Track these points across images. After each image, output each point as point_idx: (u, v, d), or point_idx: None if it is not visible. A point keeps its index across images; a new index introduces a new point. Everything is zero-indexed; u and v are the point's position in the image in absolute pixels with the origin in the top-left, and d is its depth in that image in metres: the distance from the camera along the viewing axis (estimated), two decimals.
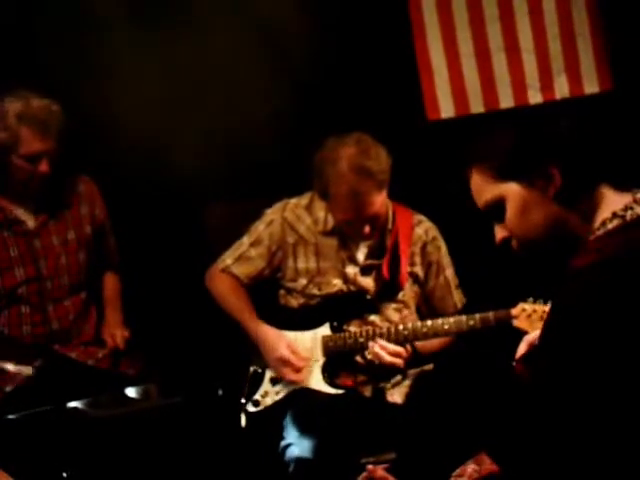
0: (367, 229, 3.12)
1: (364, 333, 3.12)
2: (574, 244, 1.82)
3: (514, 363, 2.05)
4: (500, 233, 1.93)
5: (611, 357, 1.66)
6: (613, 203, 1.82)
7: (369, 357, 3.16)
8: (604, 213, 1.82)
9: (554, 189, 1.83)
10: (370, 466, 2.22)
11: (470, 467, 2.13)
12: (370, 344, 3.07)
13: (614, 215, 1.80)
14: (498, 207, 1.89)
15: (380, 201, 3.08)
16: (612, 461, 1.67)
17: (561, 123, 1.88)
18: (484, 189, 1.90)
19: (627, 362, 1.65)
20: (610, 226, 1.79)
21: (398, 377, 3.21)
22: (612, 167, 1.89)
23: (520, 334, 2.96)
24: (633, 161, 3.35)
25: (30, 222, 3.23)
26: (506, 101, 3.90)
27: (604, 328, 1.66)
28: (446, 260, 3.32)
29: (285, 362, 3.13)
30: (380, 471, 2.23)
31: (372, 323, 3.21)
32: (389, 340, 3.08)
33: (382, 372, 3.17)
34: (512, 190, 1.86)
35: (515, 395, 1.78)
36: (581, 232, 1.83)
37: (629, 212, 1.79)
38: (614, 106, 3.79)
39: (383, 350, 3.04)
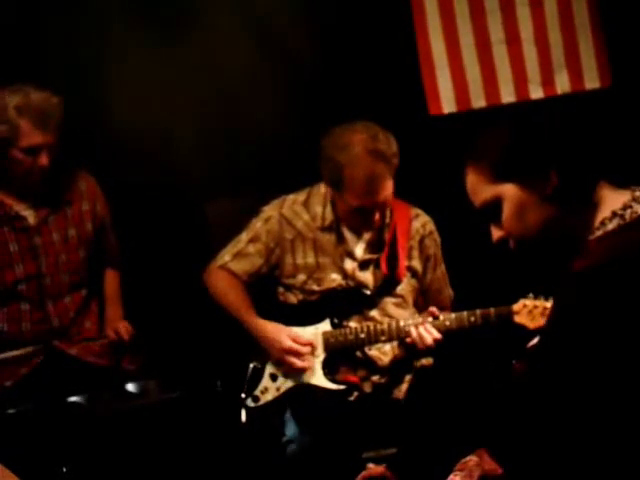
0: (377, 216, 3.10)
1: (364, 329, 3.12)
2: (573, 244, 1.81)
3: (514, 362, 2.05)
4: (497, 233, 1.91)
5: (611, 358, 1.66)
6: (612, 202, 1.80)
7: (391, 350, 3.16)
8: (603, 212, 1.80)
9: (551, 189, 1.82)
10: (370, 464, 2.22)
11: (471, 461, 2.13)
12: (412, 326, 3.05)
13: (613, 214, 1.78)
14: (494, 207, 1.87)
15: (391, 186, 3.06)
16: (608, 457, 1.66)
17: (557, 123, 1.87)
18: (480, 189, 1.89)
19: (627, 363, 1.65)
20: (610, 226, 1.78)
21: (398, 373, 3.21)
22: (610, 165, 1.87)
23: (521, 330, 2.95)
24: (631, 158, 3.36)
25: (31, 218, 3.21)
26: (507, 96, 3.88)
27: (604, 331, 1.65)
28: (441, 253, 3.31)
29: (290, 352, 3.12)
30: (380, 469, 2.23)
31: (372, 318, 3.20)
32: (391, 336, 3.08)
33: (383, 368, 3.18)
34: (508, 191, 1.85)
35: (513, 393, 1.77)
36: (580, 232, 1.81)
37: (628, 211, 1.78)
38: (611, 102, 3.78)
39: (429, 333, 3.03)
